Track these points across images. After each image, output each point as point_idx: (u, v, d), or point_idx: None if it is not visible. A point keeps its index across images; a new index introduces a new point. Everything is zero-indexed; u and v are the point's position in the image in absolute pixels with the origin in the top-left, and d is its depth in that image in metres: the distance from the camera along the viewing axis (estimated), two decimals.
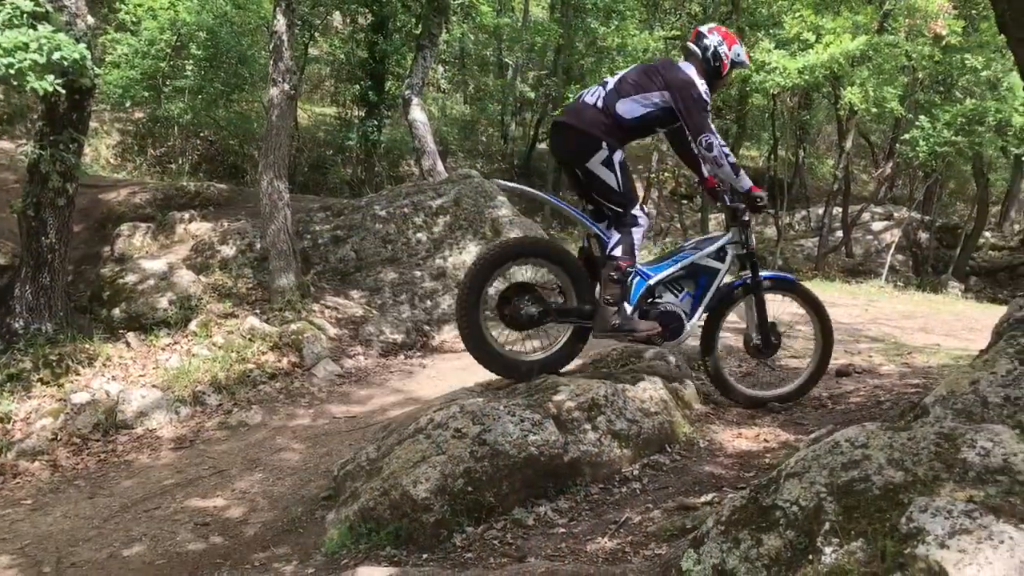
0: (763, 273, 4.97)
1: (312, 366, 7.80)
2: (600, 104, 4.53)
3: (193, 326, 8.23)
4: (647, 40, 16.09)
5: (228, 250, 9.88)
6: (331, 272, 9.85)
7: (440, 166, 13.59)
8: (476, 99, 22.23)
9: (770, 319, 4.99)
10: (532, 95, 20.11)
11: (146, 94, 15.09)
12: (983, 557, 1.76)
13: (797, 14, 15.18)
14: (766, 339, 4.99)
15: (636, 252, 4.55)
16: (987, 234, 19.28)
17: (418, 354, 8.65)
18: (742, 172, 4.64)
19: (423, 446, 3.93)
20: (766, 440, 4.40)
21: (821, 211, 18.76)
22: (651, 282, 4.72)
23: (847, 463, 2.22)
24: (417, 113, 13.74)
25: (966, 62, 14.81)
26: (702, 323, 4.97)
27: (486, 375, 5.20)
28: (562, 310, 4.64)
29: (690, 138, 4.61)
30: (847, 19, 14.68)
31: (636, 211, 4.59)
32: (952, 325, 9.11)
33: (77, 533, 4.82)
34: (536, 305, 4.58)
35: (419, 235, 10.02)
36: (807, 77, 14.44)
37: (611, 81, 4.63)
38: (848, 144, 17.30)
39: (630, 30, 16.28)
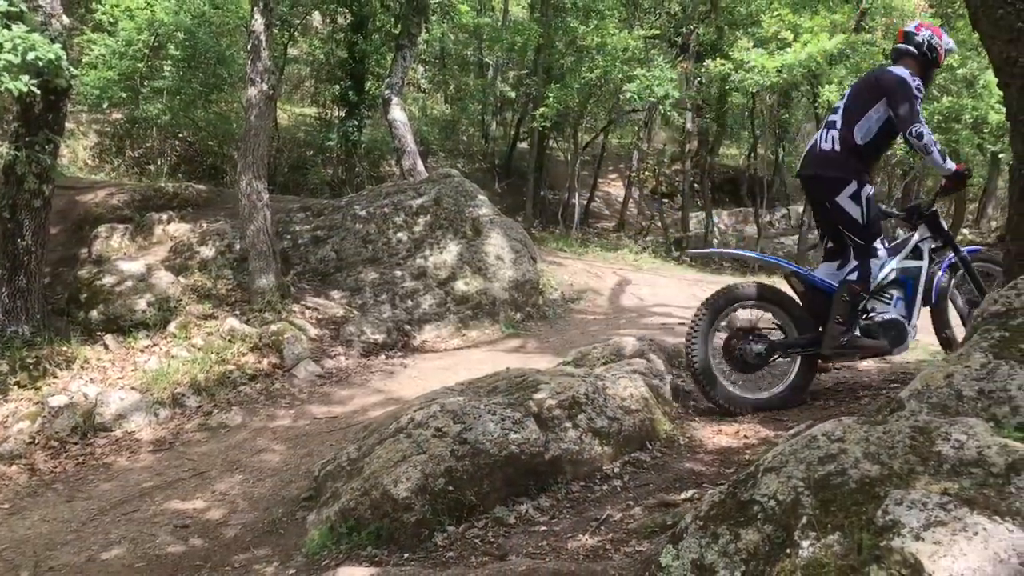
0: (965, 248, 5.13)
1: (292, 367, 7.77)
2: (838, 147, 4.73)
3: (172, 328, 8.19)
4: (627, 39, 16.08)
5: (207, 251, 9.83)
6: (311, 272, 9.81)
7: (420, 166, 13.57)
8: (457, 99, 22.19)
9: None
10: (512, 95, 20.11)
11: (124, 95, 14.97)
12: (958, 549, 1.77)
13: (775, 13, 15.26)
14: None
15: (871, 282, 4.77)
16: (964, 231, 19.44)
17: (399, 354, 8.64)
18: (947, 156, 4.75)
19: (404, 445, 3.92)
20: (746, 436, 4.41)
21: (800, 209, 18.85)
22: None
23: (824, 457, 2.23)
24: (397, 113, 13.71)
25: None
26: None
27: (467, 374, 5.19)
28: (787, 344, 4.87)
29: (900, 131, 4.68)
30: (825, 18, 14.78)
31: (877, 244, 4.82)
32: (930, 321, 9.17)
33: (55, 537, 4.78)
34: (761, 343, 4.83)
35: (400, 235, 10.01)
36: (785, 76, 14.52)
37: (837, 119, 4.81)
38: None
39: (610, 29, 16.26)
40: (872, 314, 4.88)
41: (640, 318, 9.62)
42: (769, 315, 4.99)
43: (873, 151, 4.81)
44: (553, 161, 21.00)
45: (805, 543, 2.04)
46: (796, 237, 18.20)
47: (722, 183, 22.46)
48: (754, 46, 15.18)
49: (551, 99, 16.05)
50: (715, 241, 18.37)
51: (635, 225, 20.06)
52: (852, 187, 4.68)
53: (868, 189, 4.72)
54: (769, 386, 5.07)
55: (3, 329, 7.94)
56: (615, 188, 22.74)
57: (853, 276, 4.73)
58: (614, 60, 15.93)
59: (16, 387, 7.28)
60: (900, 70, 4.73)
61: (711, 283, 12.61)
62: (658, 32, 18.51)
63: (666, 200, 21.23)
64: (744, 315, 5.03)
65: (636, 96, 15.32)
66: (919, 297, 4.91)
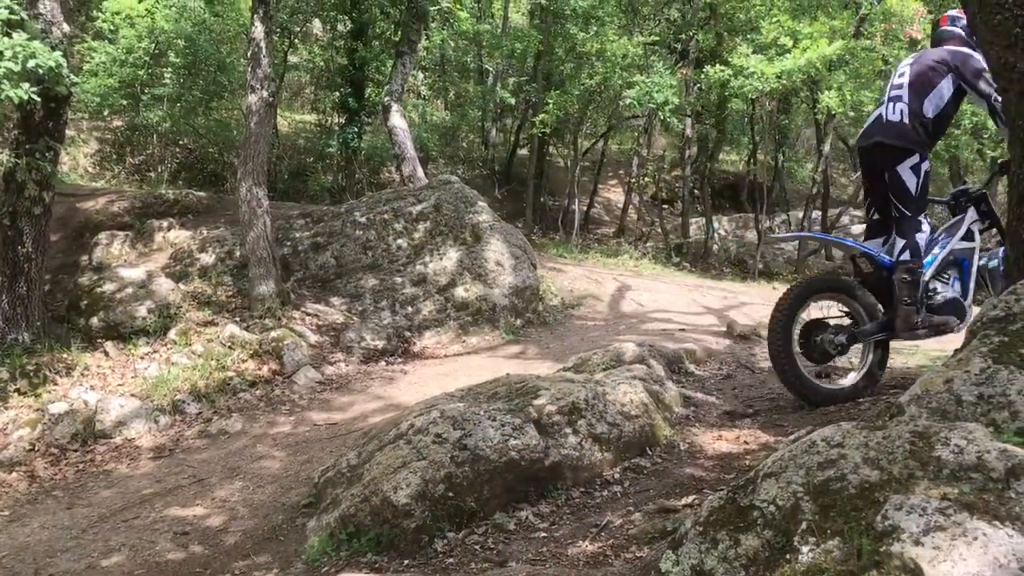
0: None
1: (292, 373, 7.77)
2: (906, 120, 4.88)
3: (172, 334, 8.18)
4: (626, 46, 16.08)
5: (207, 258, 9.83)
6: (311, 279, 9.82)
7: (420, 172, 13.56)
8: (456, 105, 22.20)
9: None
10: (512, 101, 20.10)
11: (124, 102, 14.99)
12: (957, 554, 1.77)
13: (774, 19, 15.26)
14: None
15: (922, 254, 4.92)
16: None
17: (399, 360, 8.63)
18: None
19: (404, 452, 3.92)
20: (746, 442, 4.41)
21: (801, 215, 18.85)
22: (925, 279, 4.99)
23: (823, 462, 2.23)
24: (397, 120, 13.72)
25: None
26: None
27: (467, 380, 5.19)
28: (864, 331, 4.97)
29: (982, 98, 4.83)
30: (824, 24, 14.78)
31: (921, 218, 4.97)
32: None
33: (55, 544, 4.77)
34: (843, 333, 4.93)
35: (399, 241, 10.01)
36: (785, 82, 14.52)
37: (903, 93, 4.96)
38: (826, 148, 17.40)
39: (609, 36, 16.25)
40: (934, 294, 5.04)
41: (640, 324, 9.62)
42: (841, 304, 5.10)
43: (938, 125, 4.97)
44: (553, 167, 21.00)
45: (805, 548, 2.05)
46: (796, 243, 18.19)
47: (722, 189, 22.44)
48: (753, 52, 15.17)
49: (551, 105, 16.06)
50: (715, 247, 18.34)
51: (635, 231, 20.03)
52: (915, 159, 4.84)
53: (927, 164, 4.89)
54: (840, 376, 5.18)
55: (3, 336, 7.94)
56: (615, 194, 22.74)
57: (906, 255, 4.88)
58: (614, 66, 15.94)
59: (16, 394, 7.27)
60: (962, 48, 4.93)
61: (711, 288, 12.62)
62: (657, 38, 18.51)
63: (666, 206, 21.21)
64: (817, 306, 5.13)
65: (636, 102, 15.33)
66: (973, 277, 5.07)
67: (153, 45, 14.92)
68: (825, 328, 4.95)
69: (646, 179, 21.32)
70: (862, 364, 5.06)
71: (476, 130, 22.04)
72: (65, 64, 7.31)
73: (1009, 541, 1.78)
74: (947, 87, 4.88)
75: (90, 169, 15.67)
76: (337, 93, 16.96)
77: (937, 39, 5.17)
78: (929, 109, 4.87)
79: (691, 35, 17.60)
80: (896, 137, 4.89)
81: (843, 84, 14.72)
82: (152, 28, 14.64)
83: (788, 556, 2.07)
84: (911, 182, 4.85)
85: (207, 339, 8.09)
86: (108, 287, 8.65)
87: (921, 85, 4.90)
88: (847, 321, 5.06)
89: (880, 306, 4.99)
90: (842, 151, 23.54)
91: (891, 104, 4.98)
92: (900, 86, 5.01)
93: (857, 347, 5.09)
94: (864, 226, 5.54)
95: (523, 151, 21.01)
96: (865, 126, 5.25)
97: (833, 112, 15.23)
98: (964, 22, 4.98)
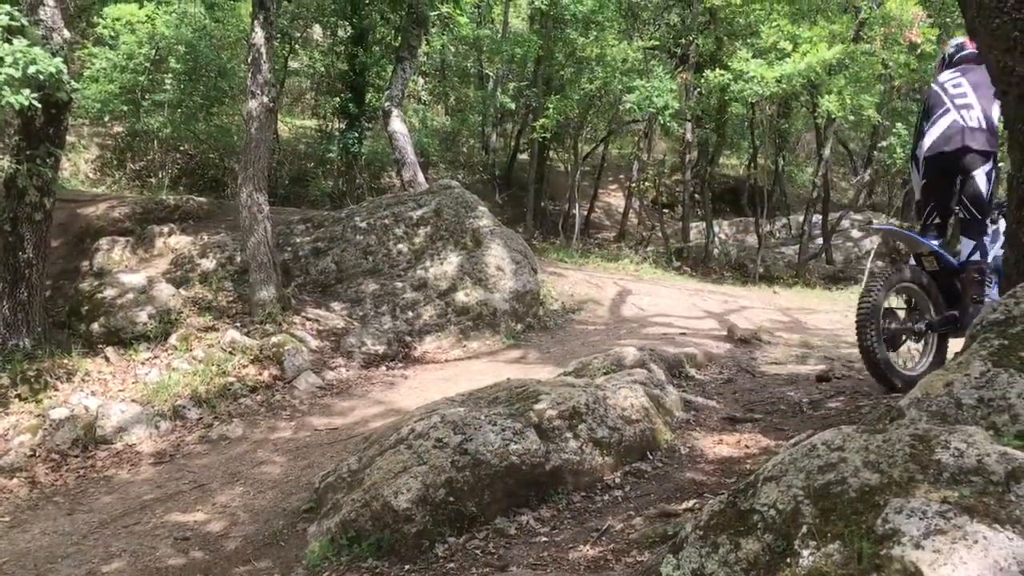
0: None
1: (293, 378, 7.77)
2: (984, 125, 5.07)
3: (173, 340, 8.19)
4: (626, 50, 16.11)
5: (208, 263, 9.84)
6: (312, 284, 9.82)
7: (421, 177, 13.58)
8: (457, 110, 22.23)
9: None
10: (512, 106, 20.13)
11: (125, 108, 15.02)
12: (958, 557, 1.77)
13: (774, 24, 15.27)
14: None
15: (989, 255, 5.14)
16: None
17: (400, 365, 8.63)
18: None
19: (404, 456, 3.92)
20: (747, 446, 4.41)
21: (801, 219, 18.85)
22: None
23: (824, 466, 2.23)
24: (397, 125, 13.73)
25: None
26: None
27: (468, 385, 5.18)
28: (938, 321, 5.18)
29: None
30: (823, 28, 14.79)
31: (988, 221, 5.18)
32: None
33: (56, 550, 4.77)
34: (920, 322, 5.16)
35: (400, 246, 10.02)
36: (785, 86, 14.53)
37: (971, 102, 5.13)
38: (827, 152, 17.39)
39: (609, 40, 16.28)
40: (987, 295, 5.18)
41: (641, 328, 9.62)
42: (911, 297, 5.27)
43: (998, 133, 5.14)
44: (553, 172, 21.02)
45: (805, 552, 2.04)
46: (796, 247, 18.21)
47: (722, 193, 22.45)
48: (753, 56, 15.18)
49: (551, 110, 16.08)
50: (716, 251, 18.34)
51: (636, 235, 20.04)
52: (989, 164, 5.05)
53: (996, 170, 5.10)
54: (910, 365, 5.31)
55: (4, 342, 7.94)
56: (615, 198, 22.75)
57: (976, 256, 5.09)
58: (614, 71, 15.96)
59: (17, 400, 7.28)
60: None
61: (711, 292, 12.62)
62: (657, 43, 18.53)
63: (666, 210, 21.21)
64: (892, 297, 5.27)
65: (636, 107, 15.35)
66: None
67: (154, 51, 14.94)
68: (895, 317, 5.13)
69: (646, 183, 21.34)
70: (926, 354, 5.26)
71: (476, 135, 22.08)
72: (65, 70, 7.32)
73: (1009, 544, 1.78)
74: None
75: (91, 175, 15.69)
76: (337, 98, 16.99)
77: (965, 58, 5.35)
78: (996, 117, 5.04)
79: (691, 39, 17.63)
80: (981, 143, 5.05)
81: (843, 88, 14.73)
82: (153, 34, 14.66)
83: (788, 560, 2.07)
84: (984, 186, 5.04)
85: (208, 344, 8.09)
86: (109, 293, 8.66)
87: (985, 95, 5.05)
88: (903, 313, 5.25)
89: (944, 301, 5.18)
90: (842, 155, 23.54)
91: (964, 111, 5.12)
92: (963, 95, 5.16)
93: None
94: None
95: (523, 156, 21.04)
96: (938, 134, 5.25)
97: (833, 116, 15.23)
98: None
